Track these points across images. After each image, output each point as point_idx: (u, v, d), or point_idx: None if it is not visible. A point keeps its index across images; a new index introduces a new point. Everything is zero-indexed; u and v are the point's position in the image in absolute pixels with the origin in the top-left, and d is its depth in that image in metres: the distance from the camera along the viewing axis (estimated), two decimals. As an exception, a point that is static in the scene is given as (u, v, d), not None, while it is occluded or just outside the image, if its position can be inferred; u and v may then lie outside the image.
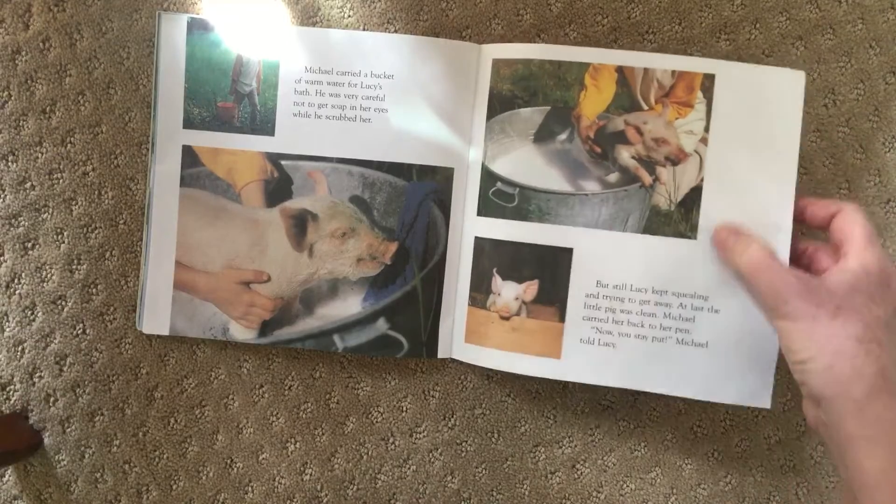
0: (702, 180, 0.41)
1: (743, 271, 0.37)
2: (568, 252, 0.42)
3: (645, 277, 0.41)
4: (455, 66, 0.44)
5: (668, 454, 0.46)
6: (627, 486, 0.46)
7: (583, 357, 0.42)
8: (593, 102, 0.42)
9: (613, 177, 0.42)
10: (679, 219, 0.41)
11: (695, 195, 0.41)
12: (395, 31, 0.46)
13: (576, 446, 0.47)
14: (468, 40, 0.46)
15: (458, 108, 0.44)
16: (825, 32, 0.46)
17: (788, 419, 0.46)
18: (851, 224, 0.36)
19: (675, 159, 0.41)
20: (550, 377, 0.42)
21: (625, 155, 0.42)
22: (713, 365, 0.41)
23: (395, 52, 0.44)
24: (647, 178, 0.41)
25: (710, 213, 0.41)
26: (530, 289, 0.42)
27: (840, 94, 0.46)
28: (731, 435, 0.46)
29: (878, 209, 0.46)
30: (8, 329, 0.46)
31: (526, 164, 0.43)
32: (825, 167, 0.46)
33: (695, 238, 0.41)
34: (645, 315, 0.41)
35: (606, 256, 0.42)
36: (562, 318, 0.42)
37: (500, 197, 0.43)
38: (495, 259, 0.43)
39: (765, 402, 0.41)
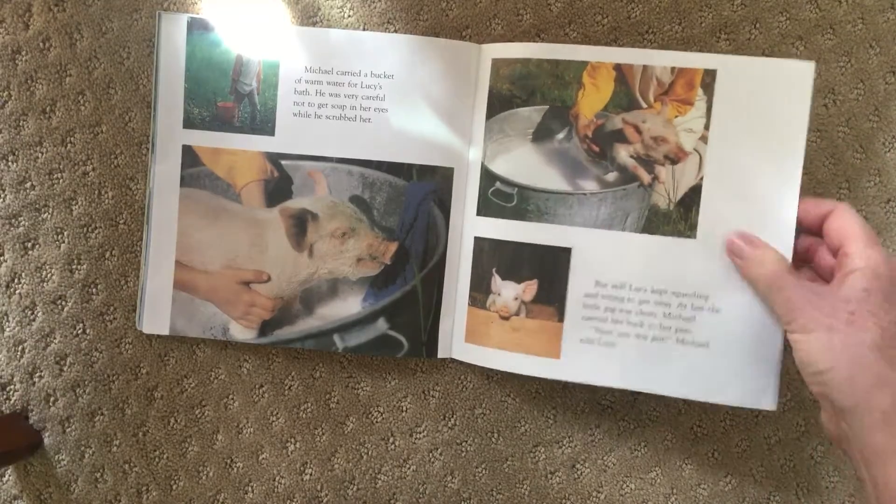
0: (701, 179, 0.40)
1: (760, 284, 0.37)
2: (567, 252, 0.42)
3: (644, 277, 0.41)
4: (455, 65, 0.44)
5: (668, 454, 0.46)
6: (627, 486, 0.46)
7: (582, 357, 0.42)
8: (591, 101, 0.42)
9: (612, 176, 0.42)
10: (678, 218, 0.41)
11: (694, 194, 0.40)
12: (395, 31, 0.46)
13: (576, 446, 0.47)
14: (468, 40, 0.46)
15: (457, 108, 0.44)
16: (825, 32, 0.46)
17: (788, 419, 0.46)
18: (849, 223, 0.35)
19: (675, 158, 0.41)
20: (550, 377, 0.42)
21: (623, 154, 0.41)
22: (714, 365, 0.40)
23: (395, 52, 0.44)
24: (646, 177, 0.41)
25: (710, 213, 0.40)
26: (529, 289, 0.42)
27: (840, 94, 0.46)
28: (731, 435, 0.46)
29: (878, 209, 0.46)
30: (8, 329, 0.47)
31: (524, 164, 0.42)
32: (825, 167, 0.46)
33: (694, 237, 0.40)
34: (644, 315, 0.41)
35: (605, 256, 0.41)
36: (561, 318, 0.42)
37: (499, 197, 0.43)
38: (495, 259, 0.43)
39: (769, 403, 0.40)
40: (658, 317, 0.41)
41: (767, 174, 0.39)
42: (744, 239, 0.39)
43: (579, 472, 0.47)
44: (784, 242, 0.39)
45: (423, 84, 0.44)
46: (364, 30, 0.46)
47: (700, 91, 0.40)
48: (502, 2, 0.46)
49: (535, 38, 0.46)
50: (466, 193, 0.44)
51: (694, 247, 0.40)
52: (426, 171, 0.44)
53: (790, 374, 0.46)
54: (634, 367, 0.41)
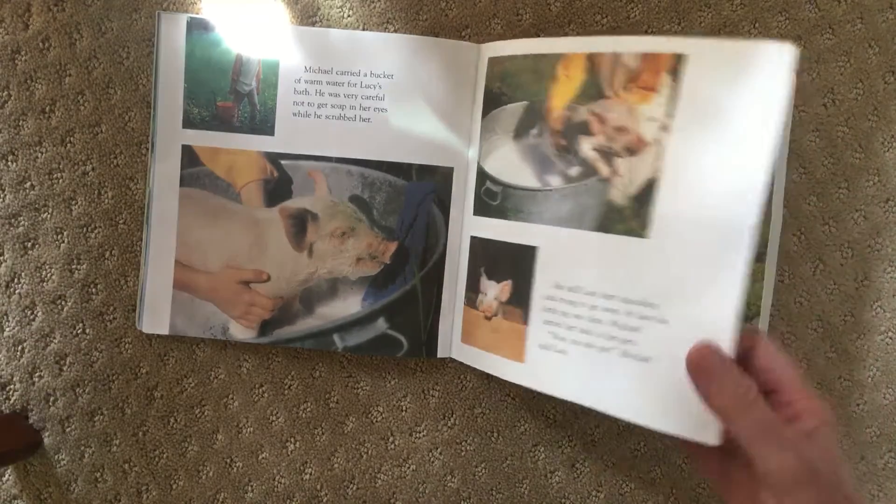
0: (659, 172, 0.35)
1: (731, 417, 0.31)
2: (533, 251, 0.40)
3: (597, 279, 0.37)
4: (454, 65, 0.44)
5: (667, 454, 0.46)
6: (627, 485, 0.46)
7: (541, 363, 0.39)
8: (562, 93, 0.39)
9: (575, 170, 0.39)
10: (631, 215, 0.36)
11: (651, 189, 0.36)
12: (395, 31, 0.46)
13: (575, 445, 0.47)
14: (467, 40, 0.46)
15: (457, 108, 0.44)
16: (824, 32, 0.46)
17: (788, 418, 0.46)
18: (780, 364, 0.32)
19: (634, 149, 0.36)
20: (515, 382, 0.40)
21: (586, 146, 0.38)
22: (655, 385, 0.35)
23: (395, 51, 0.44)
24: (605, 170, 0.37)
25: (665, 210, 0.35)
26: (505, 289, 0.41)
27: (839, 94, 0.46)
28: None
29: (878, 208, 0.46)
30: (8, 329, 0.47)
31: (507, 162, 0.42)
32: (824, 167, 0.46)
33: (647, 237, 0.36)
34: (593, 322, 0.37)
35: (565, 256, 0.38)
36: (526, 321, 0.40)
37: (488, 196, 0.43)
38: (482, 258, 0.43)
39: (710, 436, 0.33)
40: (605, 325, 0.37)
41: (731, 168, 0.33)
42: (715, 356, 0.32)
43: (579, 472, 0.47)
44: (743, 242, 0.33)
45: (423, 84, 0.44)
46: (363, 30, 0.46)
47: (667, 77, 0.35)
48: (502, 2, 0.46)
49: (534, 38, 0.46)
50: (465, 193, 0.44)
51: (645, 247, 0.36)
52: (426, 171, 0.44)
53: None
54: (582, 378, 0.37)
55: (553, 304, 0.39)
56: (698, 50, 0.35)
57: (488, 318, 0.42)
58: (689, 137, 0.35)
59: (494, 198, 0.42)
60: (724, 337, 0.33)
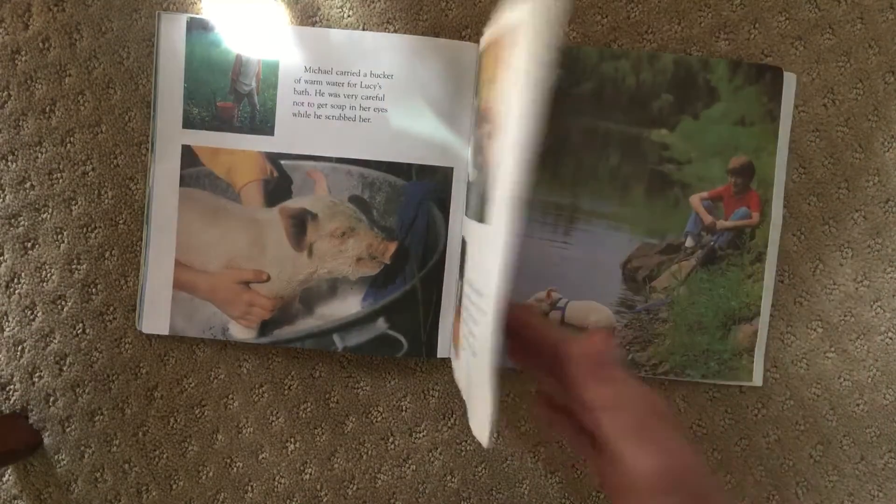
0: (501, 152, 0.30)
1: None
2: (465, 246, 0.38)
3: (474, 275, 0.34)
4: (454, 65, 0.44)
5: (667, 454, 0.46)
6: (627, 485, 0.46)
7: (462, 363, 0.36)
8: (485, 83, 0.37)
9: (480, 159, 0.36)
10: (483, 202, 0.32)
11: (495, 170, 0.31)
12: (395, 31, 0.46)
13: (575, 446, 0.47)
14: (468, 40, 0.46)
15: (457, 108, 0.44)
16: (824, 32, 0.46)
17: (788, 418, 0.46)
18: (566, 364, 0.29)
19: (496, 132, 0.31)
20: (456, 382, 0.39)
21: (483, 135, 0.36)
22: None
23: (395, 51, 0.44)
24: (488, 157, 0.33)
25: (498, 192, 0.29)
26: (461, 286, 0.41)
27: (839, 94, 0.46)
28: (731, 434, 0.46)
29: (877, 209, 0.46)
30: (8, 329, 0.47)
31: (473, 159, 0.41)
32: (824, 167, 0.46)
33: (487, 222, 0.31)
34: (470, 319, 0.33)
35: (471, 252, 0.36)
36: (459, 318, 0.38)
37: (467, 194, 0.43)
38: (463, 259, 0.43)
39: (482, 438, 0.29)
40: (472, 322, 0.33)
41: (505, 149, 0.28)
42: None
43: (579, 472, 0.47)
44: (503, 220, 0.27)
45: (423, 84, 0.44)
46: (364, 30, 0.46)
47: (515, 50, 0.30)
48: (502, 2, 0.46)
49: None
50: (465, 193, 0.44)
51: (485, 234, 0.31)
52: (426, 171, 0.44)
53: (788, 372, 0.47)
54: (472, 381, 0.33)
55: (465, 302, 0.35)
56: (529, 17, 0.28)
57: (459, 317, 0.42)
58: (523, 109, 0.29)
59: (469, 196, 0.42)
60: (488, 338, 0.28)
